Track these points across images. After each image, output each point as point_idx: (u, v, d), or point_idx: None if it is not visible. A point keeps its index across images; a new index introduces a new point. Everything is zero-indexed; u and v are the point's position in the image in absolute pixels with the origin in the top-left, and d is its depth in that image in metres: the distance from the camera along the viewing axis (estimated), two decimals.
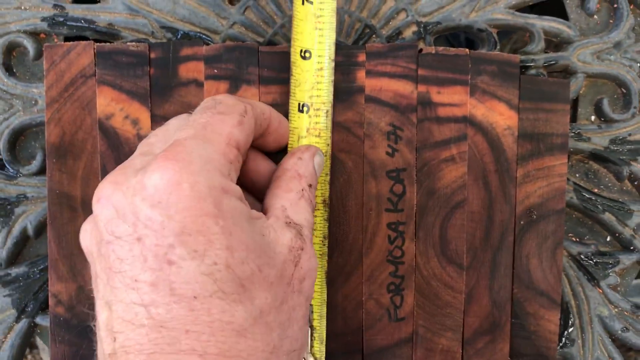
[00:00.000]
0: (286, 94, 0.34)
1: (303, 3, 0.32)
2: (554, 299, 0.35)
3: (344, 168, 0.35)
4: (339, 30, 0.38)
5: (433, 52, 0.35)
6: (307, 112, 0.33)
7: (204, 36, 0.37)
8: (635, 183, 0.39)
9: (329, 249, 0.35)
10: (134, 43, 0.34)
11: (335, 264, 0.35)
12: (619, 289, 0.39)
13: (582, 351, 0.38)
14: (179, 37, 0.37)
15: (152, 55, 0.34)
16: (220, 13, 0.37)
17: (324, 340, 0.34)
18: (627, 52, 0.38)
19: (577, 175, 0.39)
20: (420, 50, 0.35)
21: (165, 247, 0.23)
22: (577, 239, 0.39)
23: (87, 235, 0.26)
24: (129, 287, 0.23)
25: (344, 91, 0.35)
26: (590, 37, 0.38)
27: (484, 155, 0.35)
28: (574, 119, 0.39)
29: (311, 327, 0.33)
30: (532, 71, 0.38)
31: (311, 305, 0.33)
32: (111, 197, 0.24)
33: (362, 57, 0.35)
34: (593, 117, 0.39)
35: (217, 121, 0.27)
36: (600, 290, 0.38)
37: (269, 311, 0.25)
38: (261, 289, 0.24)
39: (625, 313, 0.38)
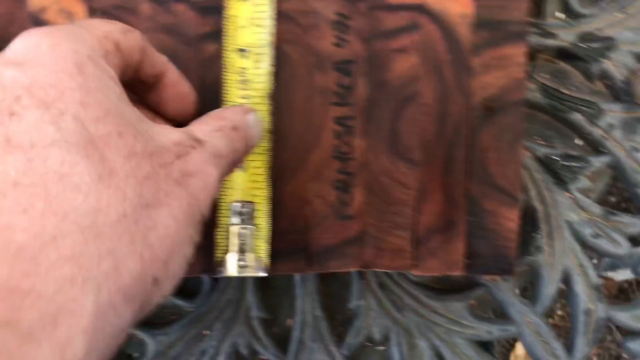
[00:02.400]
0: None
1: None
2: (513, 196, 0.33)
3: (288, 60, 0.33)
4: None
5: None
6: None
7: None
8: (606, 81, 0.37)
9: (274, 145, 0.33)
10: None
11: (280, 160, 0.33)
12: (590, 194, 0.37)
13: (550, 259, 0.36)
14: None
15: None
16: None
17: (269, 239, 0.32)
18: None
19: (543, 75, 0.37)
20: None
21: (11, 100, 0.21)
22: (544, 142, 0.37)
23: None
24: None
25: None
26: None
27: (437, 44, 0.33)
28: (540, 14, 0.37)
29: (254, 225, 0.32)
30: None
31: (252, 202, 0.32)
32: None
33: None
34: (561, 12, 0.37)
35: (98, 22, 0.25)
36: (569, 195, 0.36)
37: (125, 177, 0.21)
38: (118, 153, 0.21)
39: (597, 219, 0.36)
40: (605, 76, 0.37)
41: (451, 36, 0.34)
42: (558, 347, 0.36)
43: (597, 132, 0.36)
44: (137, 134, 0.22)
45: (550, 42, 0.36)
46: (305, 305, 0.36)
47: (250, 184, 0.33)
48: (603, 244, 0.36)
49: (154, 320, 0.37)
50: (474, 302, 0.37)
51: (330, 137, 0.33)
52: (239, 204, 0.32)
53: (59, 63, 0.22)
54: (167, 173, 0.23)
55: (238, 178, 0.33)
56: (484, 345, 0.36)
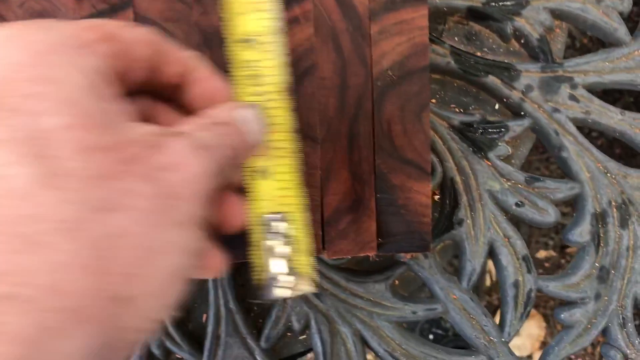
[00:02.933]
0: None
1: None
2: (422, 168, 0.31)
3: (172, 40, 0.31)
4: None
5: None
6: None
7: None
8: (522, 41, 0.35)
9: None
10: None
11: None
12: (513, 161, 0.35)
13: (472, 231, 0.34)
14: None
15: None
16: None
17: (309, 251, 0.29)
18: None
19: (455, 38, 0.35)
20: None
21: None
22: (460, 110, 0.35)
23: None
24: None
25: None
26: None
27: (332, 12, 0.31)
28: None
29: (287, 237, 0.29)
30: None
31: (284, 213, 0.29)
32: None
33: None
34: None
35: (91, 20, 0.23)
36: (489, 163, 0.34)
37: (71, 177, 0.18)
38: (66, 149, 0.19)
39: (520, 186, 0.34)
40: (520, 35, 0.35)
41: (346, 2, 0.31)
42: (488, 322, 0.34)
43: (515, 95, 0.34)
44: (93, 126, 0.19)
45: (459, 2, 0.34)
46: (219, 297, 0.34)
47: (279, 192, 0.29)
48: (528, 212, 0.34)
49: None
50: (397, 282, 0.35)
51: None
52: (269, 216, 0.29)
53: (10, 54, 0.19)
54: (130, 169, 0.20)
55: (264, 187, 0.29)
56: (409, 327, 0.34)
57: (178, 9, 0.31)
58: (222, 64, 0.29)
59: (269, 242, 0.29)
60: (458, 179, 0.34)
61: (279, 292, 0.28)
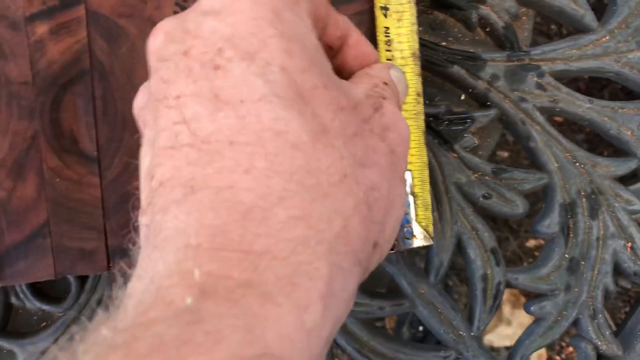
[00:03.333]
0: None
1: None
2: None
3: (126, 36, 0.30)
4: None
5: None
6: None
7: None
8: (488, 29, 0.34)
9: (120, 131, 0.30)
10: None
11: (127, 146, 0.31)
12: (480, 152, 0.35)
13: (439, 225, 0.33)
14: None
15: None
16: None
17: (429, 206, 0.31)
18: None
19: (420, 28, 0.34)
20: None
21: (213, 52, 0.20)
22: (425, 101, 0.34)
23: (141, 94, 0.23)
24: (172, 108, 0.19)
25: None
26: None
27: None
28: None
29: (413, 194, 0.31)
30: None
31: (410, 170, 0.31)
32: (164, 26, 0.22)
33: None
34: None
35: None
36: (455, 155, 0.33)
37: (336, 135, 0.20)
38: (326, 108, 0.20)
39: (487, 178, 0.34)
40: (485, 23, 0.34)
41: None
42: (456, 317, 0.34)
43: (480, 85, 0.34)
44: (338, 86, 0.21)
45: None
46: None
47: None
48: (496, 204, 0.34)
49: (21, 329, 0.34)
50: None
51: None
52: None
53: (257, 9, 0.20)
54: (370, 128, 0.22)
55: None
56: (376, 323, 0.34)
57: (131, 3, 0.30)
58: None
59: None
60: None
61: (402, 244, 0.31)
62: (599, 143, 0.88)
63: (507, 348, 0.91)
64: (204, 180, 0.18)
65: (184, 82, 0.19)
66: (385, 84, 0.25)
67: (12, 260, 0.30)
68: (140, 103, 0.23)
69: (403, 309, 0.34)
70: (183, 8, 0.30)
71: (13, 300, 0.34)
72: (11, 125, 0.30)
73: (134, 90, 0.30)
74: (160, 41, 0.21)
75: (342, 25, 0.26)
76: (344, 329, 0.34)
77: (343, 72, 0.27)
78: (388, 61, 0.30)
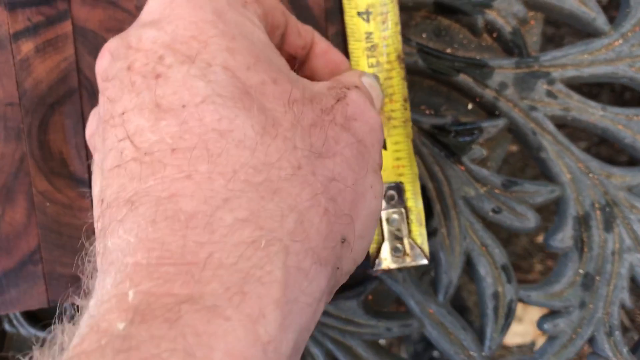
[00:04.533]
0: None
1: None
2: None
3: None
4: None
5: None
6: None
7: None
8: (495, 35, 0.33)
9: None
10: None
11: None
12: (489, 164, 0.33)
13: (447, 241, 0.32)
14: None
15: None
16: None
17: (423, 221, 0.30)
18: None
19: (423, 35, 0.33)
20: None
21: (154, 62, 0.19)
22: (431, 111, 0.33)
23: (90, 122, 0.23)
24: (117, 126, 0.19)
25: None
26: None
27: None
28: None
29: (405, 207, 0.30)
30: None
31: (402, 183, 0.30)
32: (109, 45, 0.21)
33: None
34: None
35: None
36: (463, 167, 0.32)
37: (289, 127, 0.19)
38: (276, 102, 0.19)
39: (496, 191, 0.32)
40: (492, 29, 0.33)
41: (300, 4, 0.29)
42: (466, 337, 0.32)
43: (488, 94, 0.32)
44: (289, 81, 0.20)
45: None
46: None
47: (393, 162, 0.30)
48: (507, 218, 0.32)
49: (16, 354, 0.33)
50: (370, 297, 0.34)
51: None
52: (384, 187, 0.29)
53: (196, 13, 0.20)
54: (331, 119, 0.21)
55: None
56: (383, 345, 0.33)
57: (119, 17, 0.29)
58: None
59: (384, 212, 0.29)
60: (430, 186, 0.32)
61: (388, 261, 0.30)
62: (607, 150, 0.86)
63: (518, 346, 0.90)
64: (146, 193, 0.17)
65: (128, 97, 0.19)
66: (356, 87, 0.24)
67: (2, 288, 0.29)
68: (91, 129, 0.23)
69: (411, 329, 0.33)
70: None
71: (7, 327, 0.33)
72: None
73: None
74: (106, 61, 0.21)
75: (305, 34, 0.26)
76: (350, 352, 0.32)
77: (317, 78, 0.27)
78: (371, 68, 0.29)
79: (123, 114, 0.19)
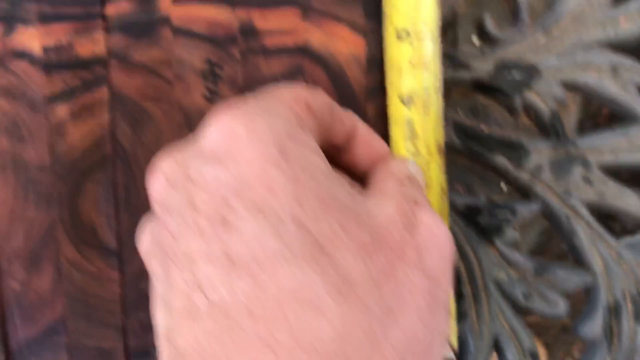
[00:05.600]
0: (72, 34, 0.28)
1: None
2: None
3: (151, 120, 0.29)
4: None
5: None
6: (408, 39, 0.28)
7: None
8: (532, 116, 0.32)
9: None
10: None
11: None
12: (521, 246, 0.33)
13: (476, 326, 0.32)
14: None
15: None
16: None
17: (454, 314, 0.29)
18: None
19: (460, 112, 0.33)
20: None
21: (221, 206, 0.19)
22: (465, 190, 0.33)
23: (145, 234, 0.22)
24: (184, 269, 0.19)
25: (145, 25, 0.29)
26: None
27: (325, 92, 0.29)
28: (451, 42, 0.33)
29: None
30: None
31: None
32: (162, 167, 0.21)
33: None
34: (474, 38, 0.33)
35: (283, 87, 0.23)
36: (495, 250, 0.32)
37: (362, 282, 0.19)
38: (348, 252, 0.19)
39: (528, 275, 0.32)
40: (530, 109, 0.32)
41: (341, 80, 0.29)
42: None
43: (524, 176, 0.32)
44: (358, 220, 0.20)
45: (464, 74, 0.32)
46: None
47: None
48: (537, 304, 0.32)
49: None
50: None
51: None
52: None
53: (260, 150, 0.19)
54: (400, 256, 0.20)
55: None
56: None
57: (157, 86, 0.29)
58: None
59: None
60: (462, 267, 0.32)
61: None
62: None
63: None
64: (226, 356, 0.17)
65: (193, 239, 0.19)
66: (409, 178, 0.24)
67: (24, 358, 0.29)
68: (146, 246, 0.22)
69: None
70: (213, 93, 0.29)
71: None
72: (27, 212, 0.29)
73: None
74: (162, 186, 0.20)
75: (348, 122, 0.25)
76: None
77: (354, 170, 0.26)
78: (410, 155, 0.29)
79: (189, 256, 0.18)
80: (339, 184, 0.21)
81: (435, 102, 0.28)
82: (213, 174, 0.19)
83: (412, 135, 0.28)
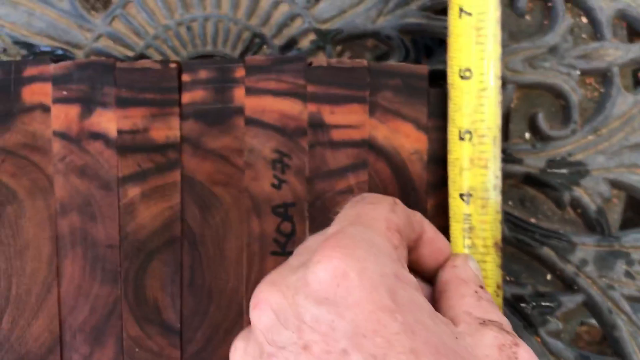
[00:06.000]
0: (148, 118, 0.29)
1: (460, 15, 0.29)
2: None
3: (220, 204, 0.30)
4: (223, 40, 0.33)
5: (325, 64, 0.30)
6: (469, 139, 0.29)
7: (66, 52, 0.32)
8: (579, 210, 0.34)
9: (206, 304, 0.30)
10: None
11: (212, 320, 0.30)
12: (562, 335, 0.34)
13: None
14: (37, 53, 0.32)
15: None
16: (84, 24, 0.33)
17: None
18: (565, 58, 0.34)
19: (510, 203, 0.34)
20: (310, 63, 0.30)
21: (338, 353, 0.19)
22: (511, 279, 0.34)
23: (240, 353, 0.23)
24: None
25: (219, 113, 0.30)
26: (521, 42, 0.34)
27: (388, 184, 0.30)
28: (504, 137, 0.34)
29: None
30: None
31: None
32: (269, 299, 0.22)
33: (240, 73, 0.30)
34: (527, 135, 0.34)
35: (370, 209, 0.24)
36: (539, 340, 0.33)
37: None
38: None
39: None
40: (577, 205, 0.34)
41: (403, 175, 0.31)
42: None
43: (569, 269, 0.33)
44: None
45: (516, 168, 0.33)
46: None
47: None
48: None
49: None
50: None
51: None
52: None
53: (374, 298, 0.20)
54: None
55: None
56: None
57: (228, 172, 0.30)
58: (270, 229, 0.29)
59: None
60: None
61: None
62: None
63: None
64: None
65: None
66: (481, 287, 0.25)
67: None
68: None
69: None
70: (280, 181, 0.30)
71: None
72: (94, 289, 0.30)
73: (224, 261, 0.30)
74: (270, 320, 0.21)
75: (417, 225, 0.26)
76: None
77: (417, 268, 0.27)
78: (466, 249, 0.30)
79: None
80: (442, 323, 0.22)
81: (494, 199, 0.30)
82: (328, 319, 0.20)
83: (470, 230, 0.30)
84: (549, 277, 0.34)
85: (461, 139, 0.29)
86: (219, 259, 0.30)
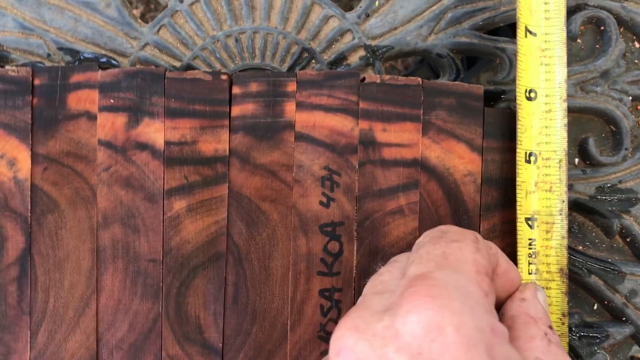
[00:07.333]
0: (197, 130, 0.29)
1: (526, 35, 0.29)
2: None
3: (267, 221, 0.29)
4: (272, 54, 0.32)
5: (378, 81, 0.29)
6: (534, 162, 0.29)
7: (111, 60, 0.32)
8: (628, 239, 0.33)
9: (249, 323, 0.29)
10: (14, 67, 0.29)
11: (255, 340, 0.29)
12: None
13: None
14: (80, 60, 0.32)
15: (36, 82, 0.29)
16: (130, 32, 0.32)
17: None
18: (617, 83, 0.33)
19: None
20: (363, 79, 0.30)
21: None
22: None
23: None
24: None
25: (269, 128, 0.30)
26: (572, 65, 0.33)
27: (439, 206, 0.30)
28: None
29: None
30: (503, 104, 0.32)
31: None
32: (354, 348, 0.20)
33: (291, 87, 0.30)
34: (577, 160, 0.34)
35: (455, 249, 0.23)
36: None
37: None
38: None
39: None
40: (626, 233, 0.33)
41: (455, 197, 0.30)
42: None
43: (618, 300, 0.33)
44: None
45: None
46: None
47: None
48: None
49: None
50: None
51: (315, 314, 0.29)
52: None
53: (472, 356, 0.19)
54: None
55: None
56: None
57: (276, 188, 0.30)
58: (317, 248, 0.28)
59: None
60: None
61: None
62: None
63: None
64: None
65: None
66: (550, 327, 0.24)
67: None
68: None
69: None
70: (329, 200, 0.30)
71: None
72: (133, 304, 0.29)
73: (269, 280, 0.29)
74: None
75: (494, 258, 0.26)
76: None
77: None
78: (531, 275, 0.29)
79: None
80: None
81: (560, 224, 0.29)
82: None
83: (533, 254, 0.29)
84: (595, 306, 0.34)
85: (527, 161, 0.29)
86: (264, 277, 0.29)
